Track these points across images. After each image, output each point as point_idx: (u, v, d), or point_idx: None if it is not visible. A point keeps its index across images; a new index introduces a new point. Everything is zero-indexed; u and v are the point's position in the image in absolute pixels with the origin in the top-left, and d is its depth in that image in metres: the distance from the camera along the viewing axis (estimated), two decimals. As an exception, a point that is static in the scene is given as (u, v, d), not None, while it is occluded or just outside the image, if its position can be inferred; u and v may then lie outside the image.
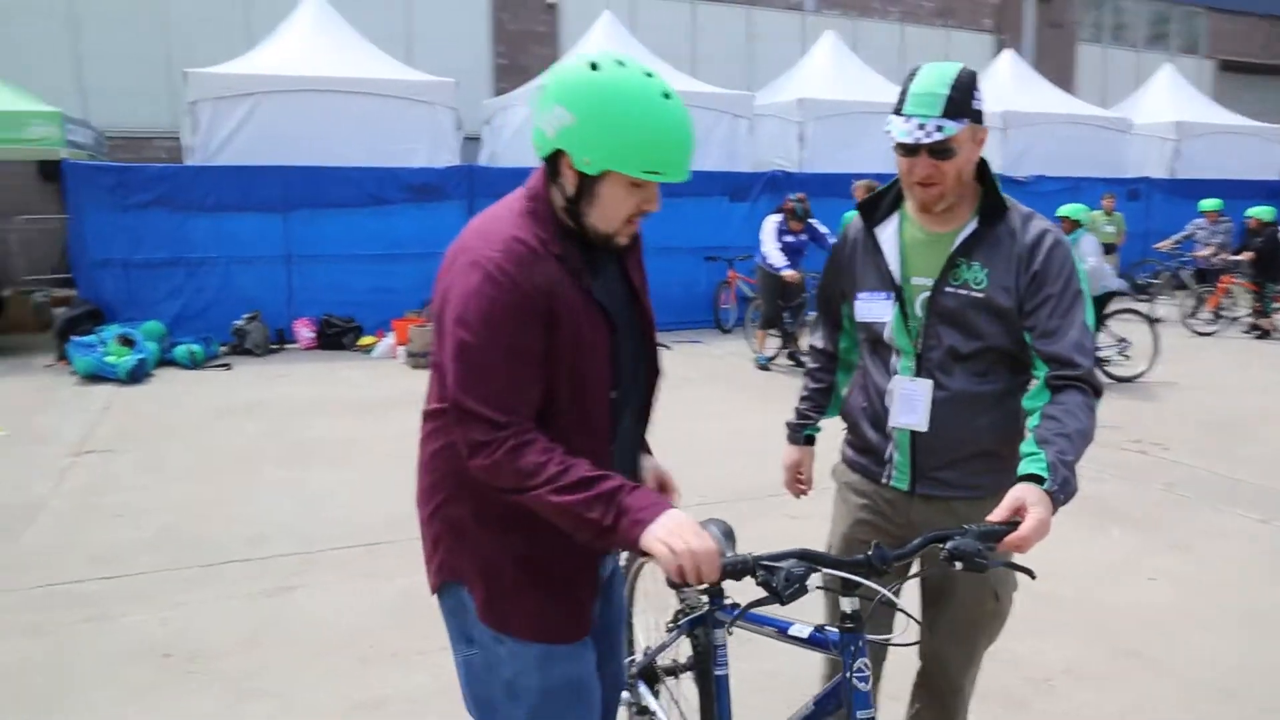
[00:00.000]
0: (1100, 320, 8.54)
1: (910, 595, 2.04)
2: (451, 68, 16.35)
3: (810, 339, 2.55)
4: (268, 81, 11.21)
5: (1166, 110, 18.43)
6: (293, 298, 10.63)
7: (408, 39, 16.99)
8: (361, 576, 4.24)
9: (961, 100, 1.95)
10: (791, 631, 1.91)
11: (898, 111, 1.99)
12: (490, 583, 1.81)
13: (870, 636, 1.80)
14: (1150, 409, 7.67)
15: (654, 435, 2.07)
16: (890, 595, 1.70)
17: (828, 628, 1.84)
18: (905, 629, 1.88)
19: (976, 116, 1.98)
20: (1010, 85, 17.12)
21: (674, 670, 2.54)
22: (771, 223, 9.06)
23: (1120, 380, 8.61)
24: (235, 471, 5.82)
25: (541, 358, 1.71)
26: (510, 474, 1.66)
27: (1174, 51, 25.11)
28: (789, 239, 8.99)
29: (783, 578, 1.60)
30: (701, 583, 1.60)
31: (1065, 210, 8.42)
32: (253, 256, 10.39)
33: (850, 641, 1.76)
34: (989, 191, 2.07)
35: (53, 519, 4.98)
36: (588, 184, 1.71)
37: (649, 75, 1.68)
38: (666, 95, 1.68)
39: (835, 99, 14.90)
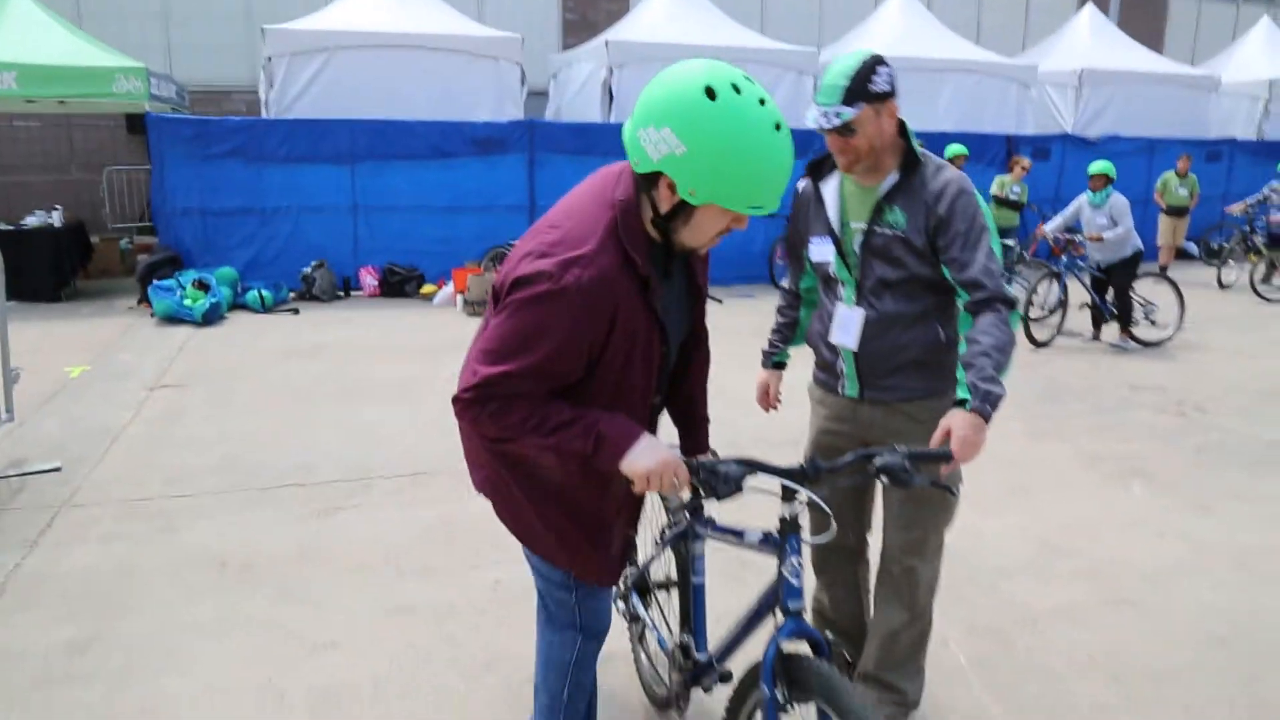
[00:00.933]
0: (1128, 282, 8.42)
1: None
2: (520, 23, 16.54)
3: (781, 282, 2.95)
4: (340, 37, 11.55)
5: (1259, 67, 17.59)
6: (358, 247, 11.05)
7: (478, -6, 17.19)
8: (404, 504, 4.56)
9: (858, 88, 2.31)
10: (746, 538, 2.14)
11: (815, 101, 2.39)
12: (532, 541, 2.14)
13: (805, 539, 2.02)
14: (1198, 373, 7.58)
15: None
16: (815, 496, 1.94)
17: (773, 532, 2.06)
18: (832, 529, 2.12)
19: (877, 97, 2.33)
20: (1089, 42, 16.57)
21: (665, 585, 2.79)
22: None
23: (1146, 345, 8.49)
24: (296, 407, 6.22)
25: (573, 373, 1.85)
26: (495, 428, 1.85)
27: (1277, 3, 23.85)
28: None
29: (720, 479, 1.84)
30: (673, 488, 1.85)
31: (1096, 167, 8.35)
32: (321, 206, 10.82)
33: (786, 540, 1.99)
34: (907, 149, 2.43)
35: (132, 443, 5.43)
36: (685, 208, 1.77)
37: (763, 103, 1.69)
38: (778, 126, 1.71)
39: (905, 55, 14.63)
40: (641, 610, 2.71)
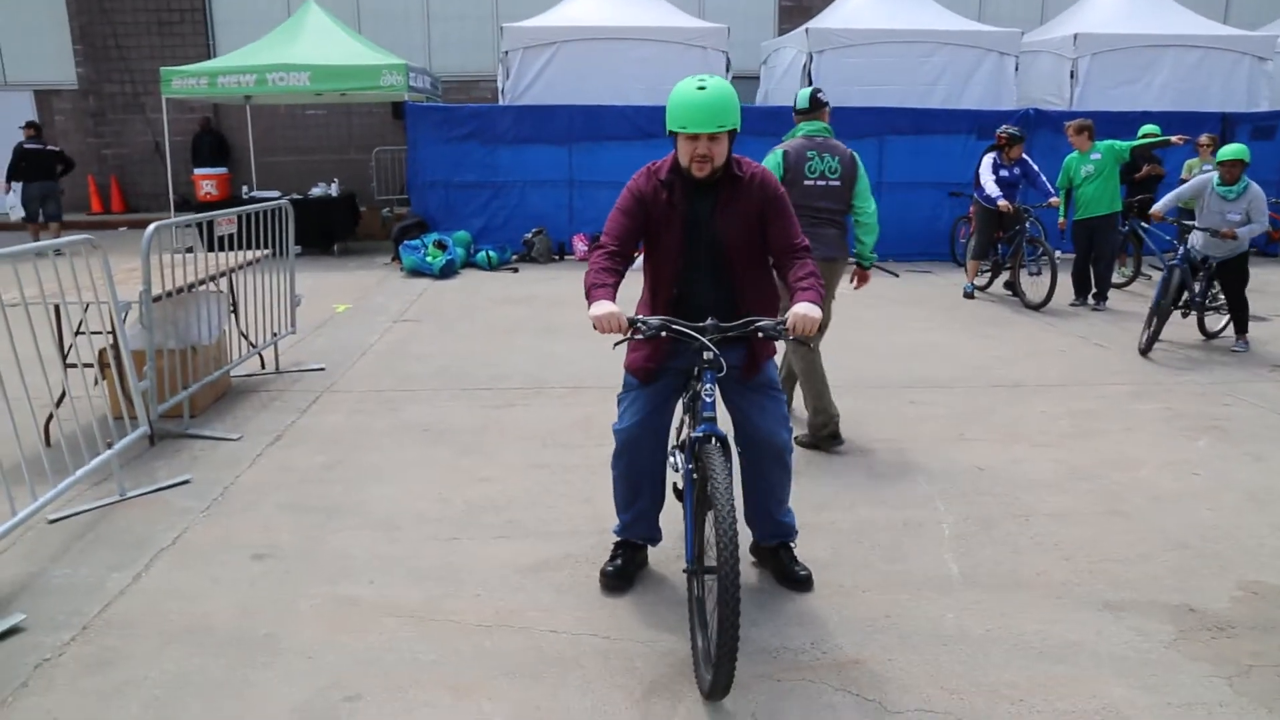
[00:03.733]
0: (1245, 280, 7.60)
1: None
2: (739, 10, 17.64)
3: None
4: (566, 32, 13.20)
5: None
6: (573, 216, 12.68)
7: (700, -14, 18.42)
8: (562, 405, 5.92)
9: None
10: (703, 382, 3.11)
11: None
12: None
13: (718, 375, 3.04)
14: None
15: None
16: (709, 345, 2.98)
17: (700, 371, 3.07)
18: (725, 369, 3.06)
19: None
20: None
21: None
22: (988, 158, 9.60)
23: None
24: (500, 338, 7.79)
25: (634, 218, 3.23)
26: (590, 262, 3.24)
27: None
28: (1004, 173, 9.50)
29: (645, 327, 3.00)
30: (619, 330, 2.97)
31: (1231, 152, 7.35)
32: (542, 181, 12.53)
33: (704, 374, 3.02)
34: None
35: (376, 355, 7.18)
36: (675, 141, 3.13)
37: (701, 88, 2.99)
38: (700, 88, 2.99)
39: (1115, 33, 14.39)
40: (679, 460, 3.65)
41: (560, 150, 12.50)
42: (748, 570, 3.59)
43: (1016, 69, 14.00)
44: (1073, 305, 9.52)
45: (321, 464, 4.85)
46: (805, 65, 13.64)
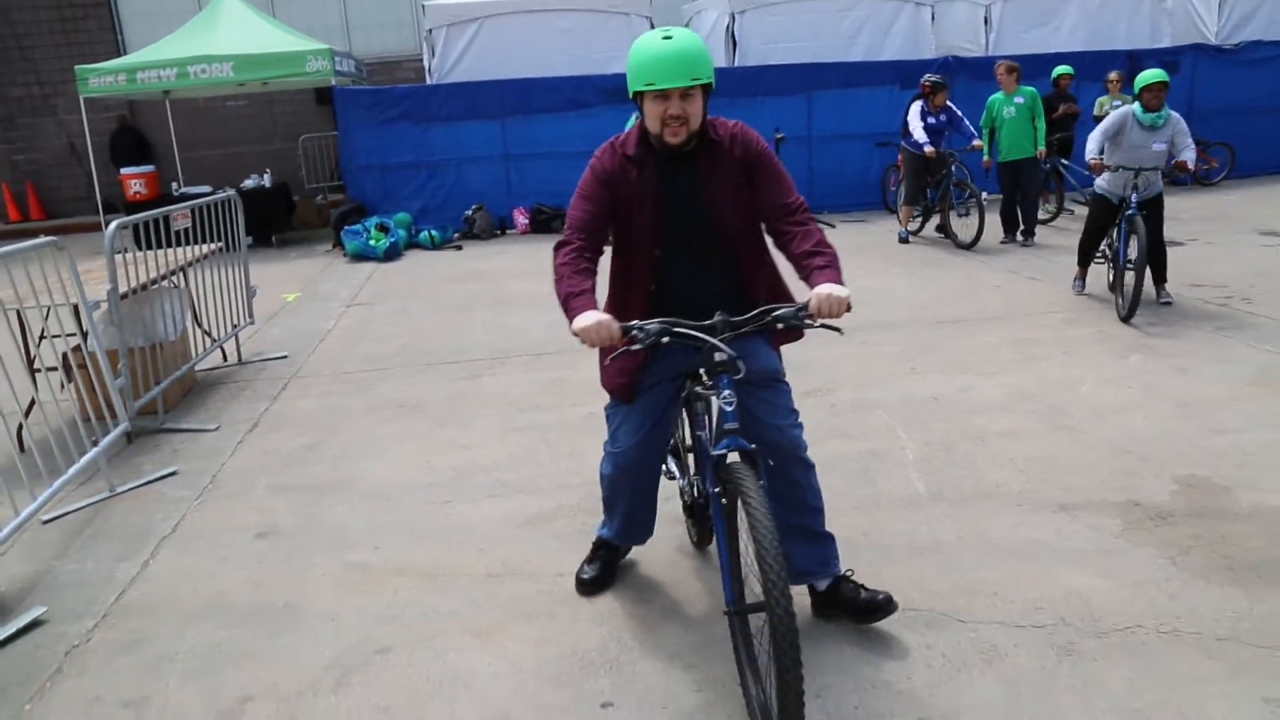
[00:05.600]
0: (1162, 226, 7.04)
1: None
2: (658, -27, 17.63)
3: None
4: (488, 7, 13.17)
5: None
6: (511, 190, 12.75)
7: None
8: (528, 371, 6.09)
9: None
10: (709, 386, 2.65)
11: None
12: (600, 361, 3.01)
13: (735, 377, 2.52)
14: (1264, 271, 8.03)
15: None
16: (721, 345, 2.48)
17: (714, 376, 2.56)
18: (744, 371, 2.53)
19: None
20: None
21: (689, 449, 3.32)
22: (915, 106, 9.92)
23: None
24: (456, 315, 7.90)
25: (599, 204, 2.73)
26: (554, 264, 2.72)
27: None
28: (931, 120, 9.83)
29: (643, 334, 2.48)
30: (612, 342, 2.49)
31: (1151, 76, 6.64)
32: (478, 157, 12.56)
33: (719, 379, 2.51)
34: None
35: (335, 339, 7.24)
36: (640, 106, 2.66)
37: (668, 38, 2.55)
38: (666, 38, 2.55)
39: (1023, -23, 14.82)
40: (675, 468, 3.40)
41: (493, 125, 12.53)
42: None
43: (933, 18, 14.36)
44: (1003, 243, 9.95)
45: (304, 445, 4.95)
46: (728, 26, 13.83)
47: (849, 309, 2.49)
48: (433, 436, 4.99)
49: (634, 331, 2.49)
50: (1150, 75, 6.66)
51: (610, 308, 2.88)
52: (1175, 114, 6.76)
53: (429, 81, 13.20)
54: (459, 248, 11.70)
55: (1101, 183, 7.04)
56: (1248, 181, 13.68)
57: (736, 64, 13.61)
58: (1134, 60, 13.75)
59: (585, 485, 4.21)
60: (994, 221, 9.93)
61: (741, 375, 2.52)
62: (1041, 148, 9.71)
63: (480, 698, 2.74)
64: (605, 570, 3.32)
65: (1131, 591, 3.12)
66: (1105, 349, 6.03)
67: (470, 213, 12.36)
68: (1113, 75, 11.33)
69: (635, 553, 3.52)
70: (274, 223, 12.98)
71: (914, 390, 5.30)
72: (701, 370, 2.63)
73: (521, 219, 12.61)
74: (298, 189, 15.60)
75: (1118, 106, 11.13)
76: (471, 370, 6.20)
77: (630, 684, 2.76)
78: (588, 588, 3.28)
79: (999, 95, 9.77)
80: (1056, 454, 4.37)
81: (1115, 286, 7.02)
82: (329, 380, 6.15)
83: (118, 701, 2.83)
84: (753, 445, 2.50)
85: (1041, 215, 10.78)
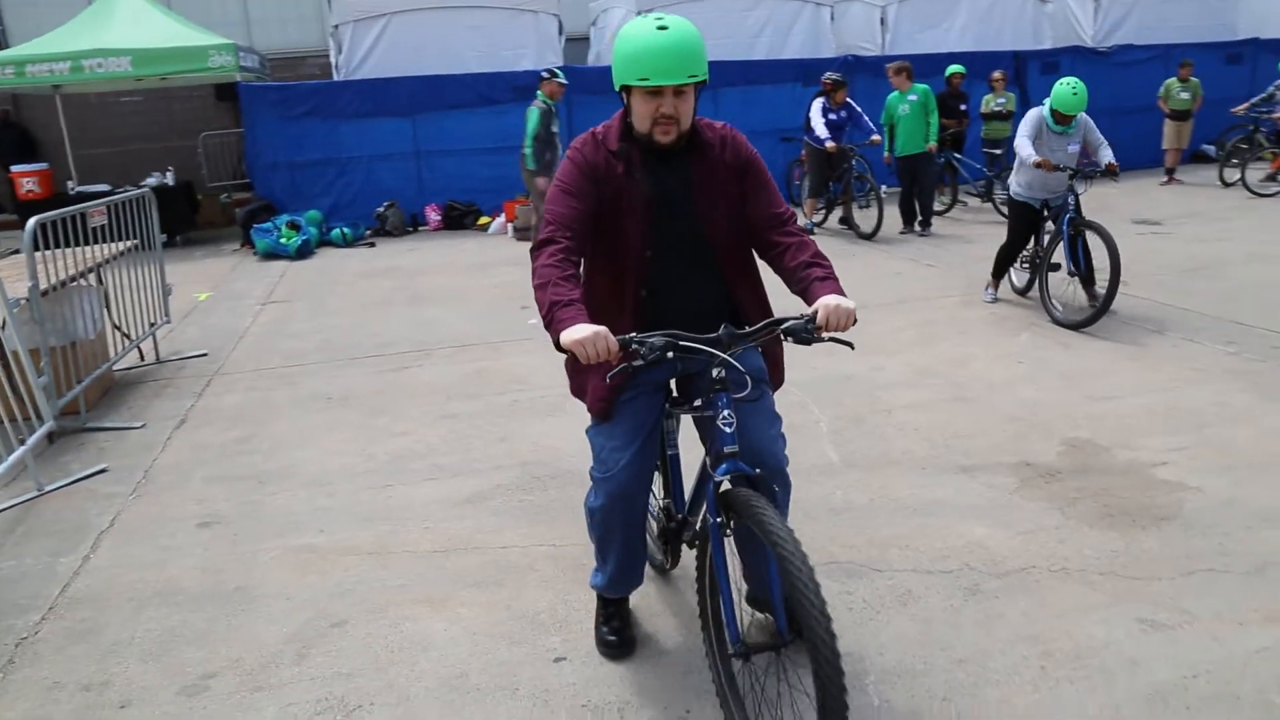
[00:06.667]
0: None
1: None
2: (567, -29, 17.74)
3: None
4: (396, 3, 13.09)
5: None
6: (423, 187, 12.73)
7: (519, -50, 18.47)
8: (454, 362, 6.21)
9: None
10: (694, 404, 2.55)
11: None
12: (570, 374, 2.78)
13: (735, 396, 2.32)
14: (1145, 253, 8.67)
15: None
16: (734, 362, 2.29)
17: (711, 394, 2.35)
18: (750, 389, 2.35)
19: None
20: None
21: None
22: (817, 103, 10.35)
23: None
24: (376, 310, 7.94)
25: (584, 199, 2.42)
26: (534, 266, 2.37)
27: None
28: (832, 116, 10.27)
29: (647, 348, 2.18)
30: (610, 357, 2.16)
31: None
32: (389, 154, 12.51)
33: (717, 398, 2.30)
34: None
35: (255, 337, 7.21)
36: (627, 101, 2.41)
37: (663, 28, 2.27)
38: (661, 27, 2.26)
39: (916, -19, 15.50)
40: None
41: (404, 122, 12.50)
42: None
43: (832, 19, 14.90)
44: (901, 233, 10.46)
45: (236, 439, 4.98)
46: (635, 24, 14.06)
47: (855, 322, 2.30)
48: (365, 426, 5.08)
49: (634, 345, 2.19)
50: (1066, 106, 6.33)
51: (597, 314, 2.36)
52: (1082, 114, 6.58)
53: (336, 78, 13.07)
54: (372, 245, 11.65)
55: (1020, 188, 6.81)
56: (1123, 175, 14.57)
57: (644, 61, 13.85)
58: (1019, 60, 14.57)
59: (518, 466, 4.40)
60: (893, 213, 10.44)
61: (745, 395, 2.33)
62: (933, 143, 10.24)
63: (439, 659, 2.91)
64: (626, 628, 2.93)
65: (1026, 538, 3.47)
66: (998, 329, 6.48)
67: (382, 210, 12.31)
68: (996, 74, 12.02)
69: (569, 527, 3.72)
70: (177, 222, 12.65)
71: (826, 370, 5.63)
72: (672, 383, 2.53)
73: (434, 216, 12.62)
74: (199, 187, 15.21)
75: (1002, 103, 11.93)
76: (396, 363, 6.29)
77: (580, 640, 2.97)
78: (615, 650, 2.87)
79: (896, 93, 10.27)
80: (956, 423, 4.74)
81: (1045, 294, 6.72)
82: (253, 376, 6.15)
83: (77, 685, 2.89)
84: (756, 470, 2.29)
85: (937, 207, 11.35)
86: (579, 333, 2.16)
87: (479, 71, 12.75)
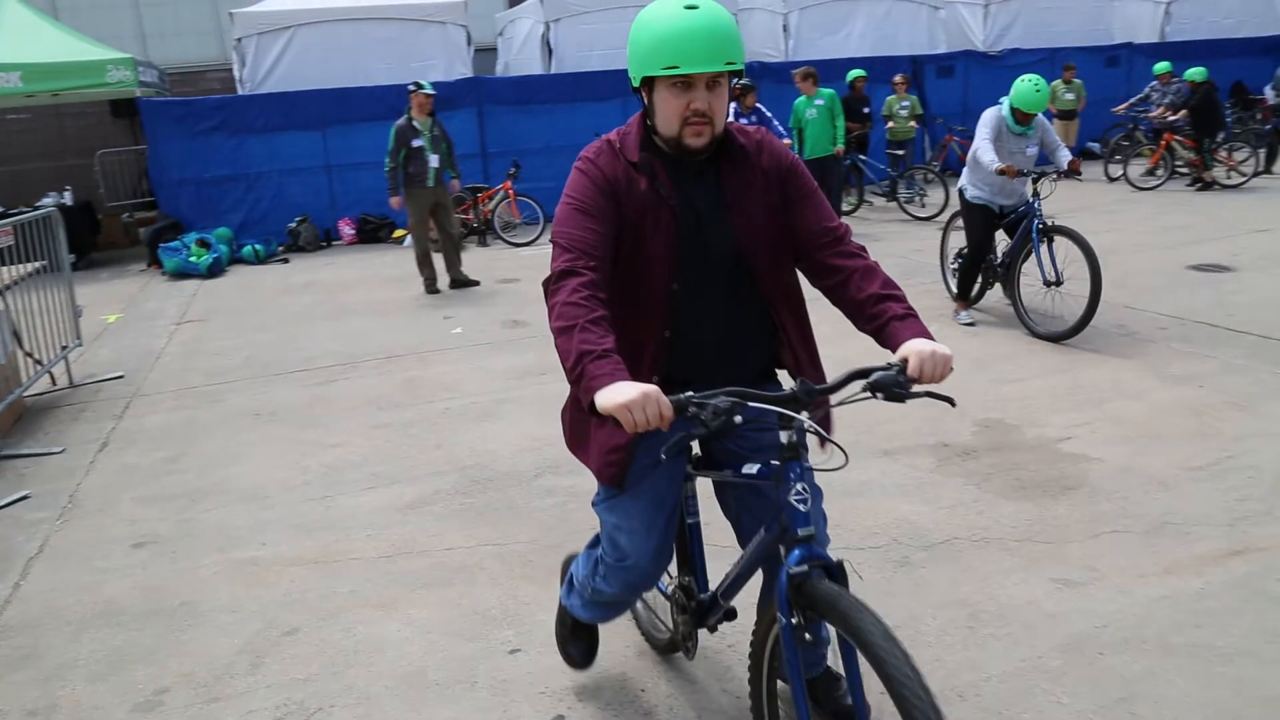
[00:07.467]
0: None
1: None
2: (474, -18, 17.72)
3: None
4: (300, 15, 12.94)
5: (1160, -27, 18.83)
6: (335, 202, 12.57)
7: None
8: (382, 373, 6.20)
9: None
10: (744, 470, 2.07)
11: None
12: (568, 424, 2.33)
13: (809, 465, 1.92)
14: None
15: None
16: (814, 425, 1.90)
17: (773, 461, 1.96)
18: (830, 455, 1.96)
19: None
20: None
21: None
22: (729, 106, 10.58)
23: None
24: (296, 325, 7.84)
25: (604, 220, 2.01)
26: (550, 304, 1.94)
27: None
28: (743, 120, 10.54)
29: (710, 412, 1.74)
30: (662, 424, 1.71)
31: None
32: (300, 168, 12.32)
33: (788, 468, 1.88)
34: None
35: (173, 357, 7.06)
36: (649, 100, 2.02)
37: (692, 7, 1.91)
38: (690, 7, 1.90)
39: (817, -11, 15.98)
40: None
41: (314, 136, 12.33)
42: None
43: (739, 25, 15.22)
44: (813, 233, 10.77)
45: (164, 458, 4.90)
46: (543, 35, 14.17)
47: (951, 371, 1.90)
48: (297, 439, 5.06)
49: (692, 406, 1.76)
50: (1029, 104, 6.02)
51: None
52: (1039, 114, 6.25)
53: (240, 92, 12.82)
54: (285, 260, 11.46)
55: (978, 192, 6.49)
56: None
57: (554, 71, 13.97)
58: (916, 64, 15.15)
59: (456, 471, 4.46)
60: (805, 214, 10.75)
61: (827, 464, 1.95)
62: (840, 145, 10.60)
63: (395, 659, 2.95)
64: (592, 642, 2.74)
65: (948, 513, 3.70)
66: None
67: (294, 225, 12.11)
68: (898, 78, 12.50)
69: (512, 526, 3.80)
70: (79, 243, 12.19)
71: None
72: (693, 444, 1.99)
73: (348, 230, 12.47)
74: (99, 207, 14.72)
75: (906, 106, 12.43)
76: (323, 377, 6.25)
77: (533, 631, 3.05)
78: (581, 666, 2.75)
79: (803, 98, 10.60)
80: (875, 411, 4.93)
81: (1018, 304, 6.42)
82: (175, 396, 6.04)
83: (22, 712, 2.85)
84: (838, 560, 1.91)
85: (845, 207, 11.75)
86: (623, 393, 1.71)
87: (389, 84, 12.66)
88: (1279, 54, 14.36)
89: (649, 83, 2.01)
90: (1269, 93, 14.10)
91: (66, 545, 3.97)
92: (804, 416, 1.87)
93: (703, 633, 2.54)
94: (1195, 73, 12.70)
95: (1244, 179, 12.68)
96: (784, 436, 1.89)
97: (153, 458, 4.94)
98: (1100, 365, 5.48)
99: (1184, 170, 13.03)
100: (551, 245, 2.02)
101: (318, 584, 3.47)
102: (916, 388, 1.87)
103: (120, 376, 6.57)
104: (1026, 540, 3.44)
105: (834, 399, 1.96)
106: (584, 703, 2.68)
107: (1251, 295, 6.85)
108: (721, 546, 3.15)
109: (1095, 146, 16.09)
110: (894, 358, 1.91)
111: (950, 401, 1.95)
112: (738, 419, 1.76)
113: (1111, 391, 5.03)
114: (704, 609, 2.37)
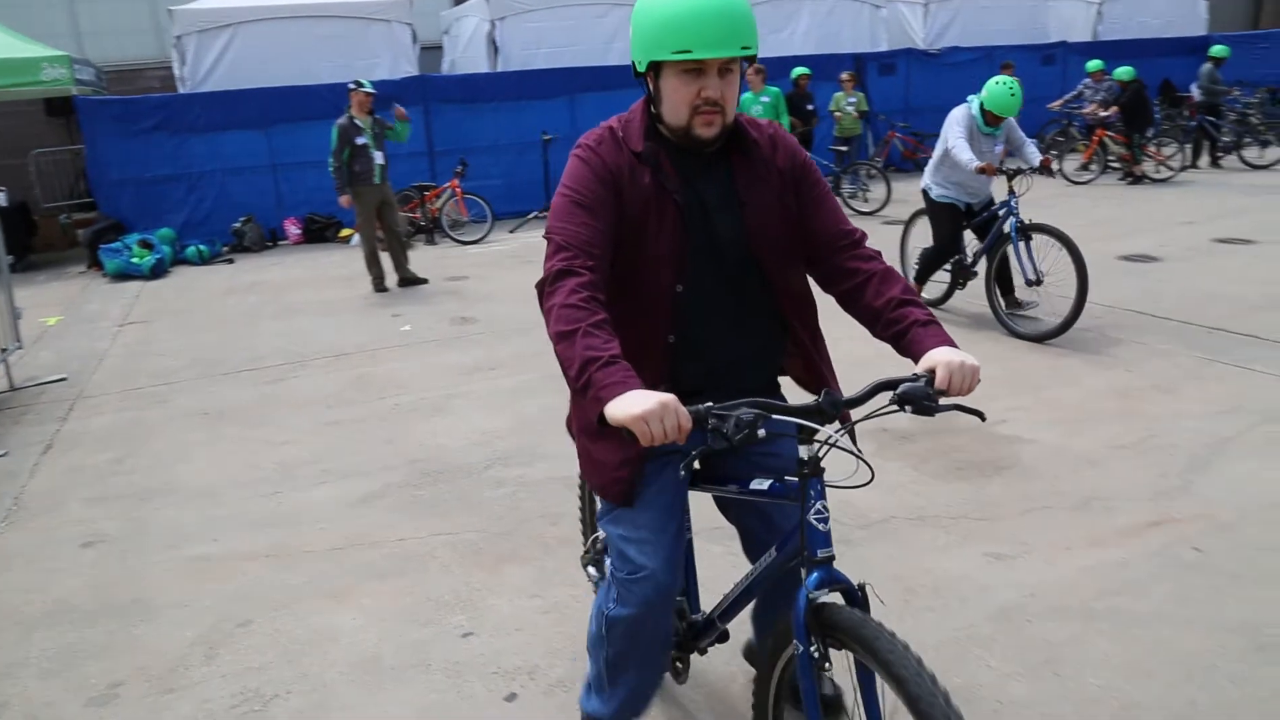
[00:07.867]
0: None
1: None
2: (417, -20, 17.62)
3: None
4: (241, 13, 12.78)
5: (1093, -27, 19.39)
6: (281, 201, 12.44)
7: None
8: (331, 371, 6.20)
9: None
10: (753, 485, 1.96)
11: None
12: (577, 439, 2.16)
13: (827, 481, 1.80)
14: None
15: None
16: (840, 439, 1.76)
17: (787, 477, 1.88)
18: (856, 471, 1.82)
19: None
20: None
21: None
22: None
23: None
24: (243, 325, 7.79)
25: (604, 215, 1.88)
26: (546, 307, 1.80)
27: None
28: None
29: (732, 424, 1.63)
30: (680, 437, 1.60)
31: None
32: (243, 168, 12.17)
33: (809, 486, 1.77)
34: None
35: (117, 359, 6.98)
36: (655, 86, 1.88)
37: None
38: None
39: (759, -12, 16.18)
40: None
41: (258, 134, 12.19)
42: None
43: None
44: (760, 229, 10.94)
45: (111, 459, 4.87)
46: (489, 32, 14.16)
47: (979, 383, 1.81)
48: (247, 438, 5.05)
49: (712, 418, 1.65)
50: (1002, 108, 5.97)
51: None
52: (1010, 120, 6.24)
53: (180, 90, 12.63)
54: (230, 261, 11.33)
55: (945, 191, 6.44)
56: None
57: (500, 69, 13.97)
58: (859, 62, 15.41)
59: (407, 464, 4.50)
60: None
61: (853, 481, 1.81)
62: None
63: (350, 646, 3.00)
64: None
65: (886, 494, 3.84)
66: (844, 315, 6.93)
67: (239, 225, 11.96)
68: (844, 75, 12.72)
69: (463, 516, 3.86)
70: (14, 245, 11.91)
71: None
72: (695, 454, 1.79)
73: (294, 229, 12.36)
74: (35, 208, 14.38)
75: (853, 103, 12.64)
76: (271, 376, 6.23)
77: (485, 616, 3.12)
78: None
79: (749, 95, 10.75)
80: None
81: (997, 308, 6.38)
82: (120, 397, 5.98)
83: (-29, 708, 2.85)
84: (860, 583, 1.80)
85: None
86: (638, 404, 1.58)
87: (333, 82, 12.55)
88: (1204, 54, 14.85)
89: (655, 68, 1.87)
90: (1195, 90, 14.59)
91: (13, 547, 3.94)
92: (831, 429, 1.76)
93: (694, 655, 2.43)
94: (1123, 72, 13.11)
95: (1172, 173, 13.15)
96: (804, 451, 1.78)
97: (99, 459, 4.90)
98: (1039, 353, 5.69)
99: (1116, 165, 13.46)
100: (546, 241, 1.90)
101: (271, 577, 3.49)
102: (944, 400, 1.78)
103: (63, 379, 6.48)
104: (961, 518, 3.60)
105: (858, 412, 1.86)
106: (536, 680, 2.76)
107: (1176, 284, 7.14)
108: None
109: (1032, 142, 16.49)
110: (919, 367, 1.84)
111: (981, 416, 1.85)
112: (761, 432, 1.64)
113: (1049, 378, 5.23)
114: (697, 631, 2.29)
